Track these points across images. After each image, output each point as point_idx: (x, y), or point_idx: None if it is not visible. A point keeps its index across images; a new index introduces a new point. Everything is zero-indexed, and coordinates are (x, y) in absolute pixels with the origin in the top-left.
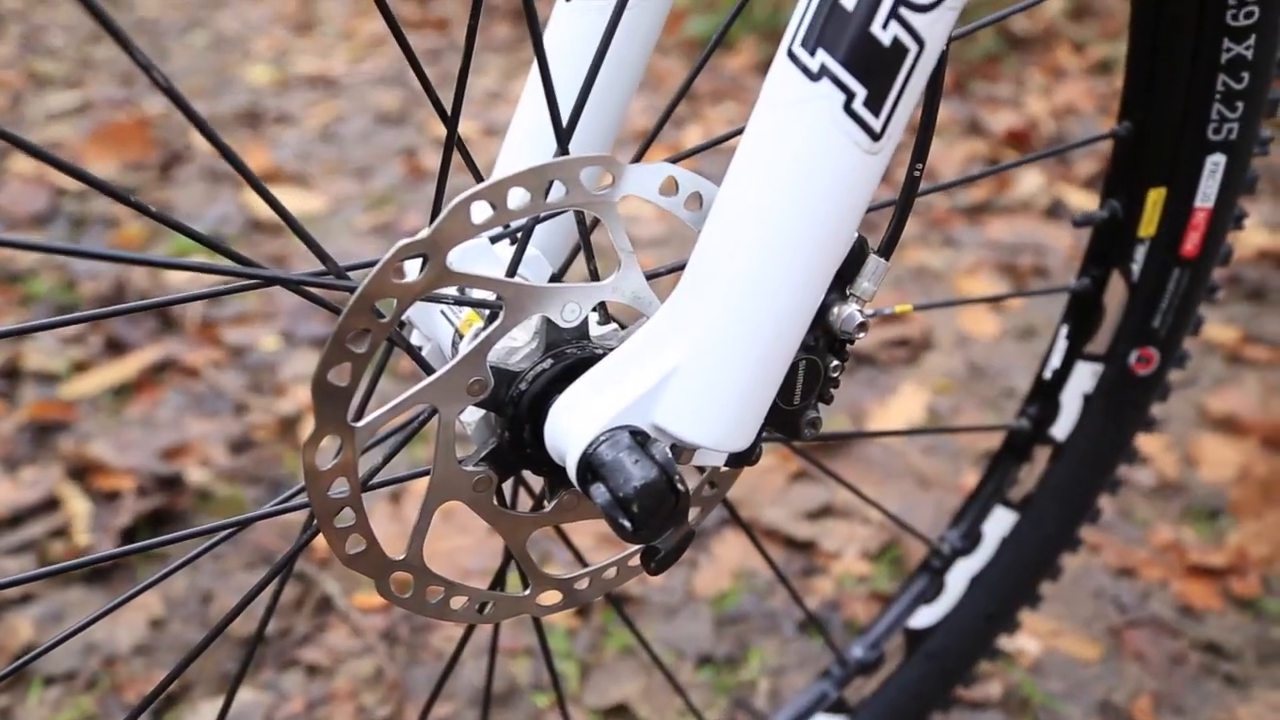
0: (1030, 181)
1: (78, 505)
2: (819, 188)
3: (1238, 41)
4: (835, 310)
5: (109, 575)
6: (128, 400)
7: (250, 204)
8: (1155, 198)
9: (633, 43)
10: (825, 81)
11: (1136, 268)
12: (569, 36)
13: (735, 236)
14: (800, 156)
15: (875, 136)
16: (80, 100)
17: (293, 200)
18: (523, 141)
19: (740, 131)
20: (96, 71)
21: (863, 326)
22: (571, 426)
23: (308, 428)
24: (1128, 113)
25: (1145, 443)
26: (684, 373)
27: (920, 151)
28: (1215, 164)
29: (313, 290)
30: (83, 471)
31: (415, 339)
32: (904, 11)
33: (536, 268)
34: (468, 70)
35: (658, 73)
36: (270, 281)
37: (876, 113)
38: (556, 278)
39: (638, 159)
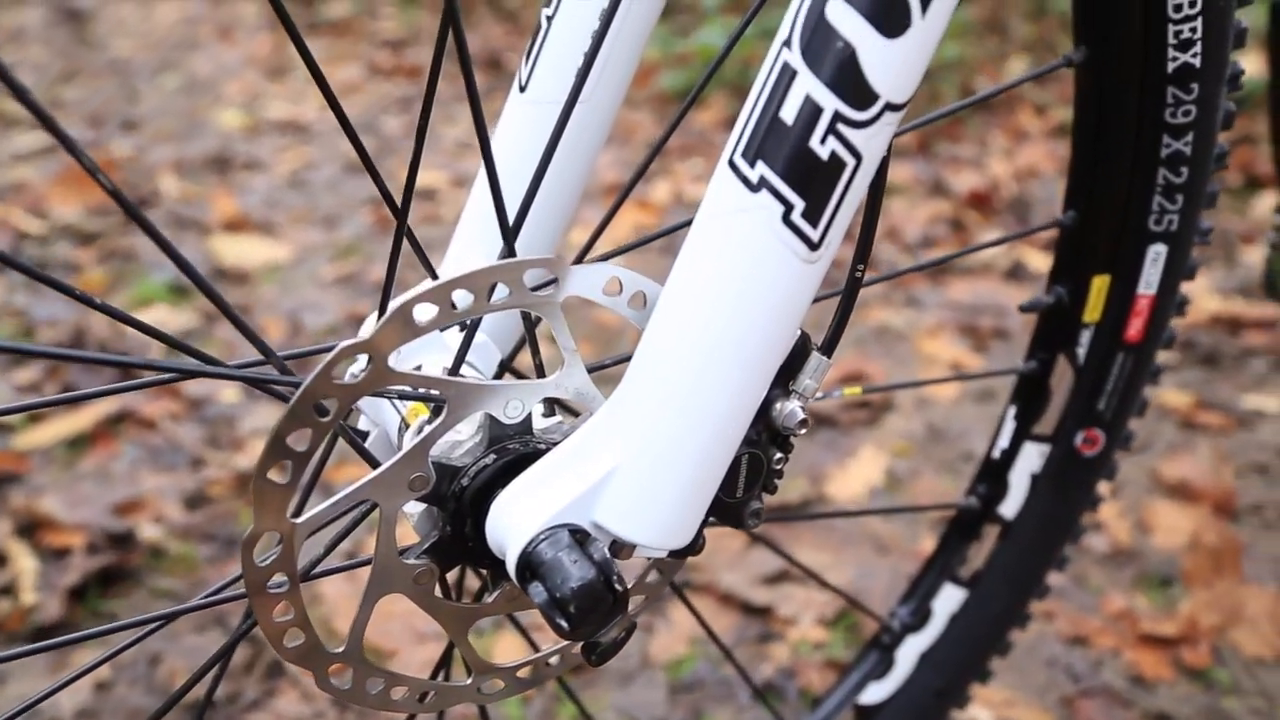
0: None
1: (25, 563)
2: (757, 296)
3: (1176, 138)
4: (778, 406)
5: (53, 634)
6: (82, 452)
7: (216, 251)
8: (1099, 285)
9: (583, 138)
10: (765, 193)
11: (1082, 352)
12: (520, 130)
13: (676, 339)
14: (739, 265)
15: (813, 246)
16: (47, 142)
17: (259, 249)
18: (473, 234)
19: (682, 226)
20: (65, 112)
21: (804, 423)
22: (512, 523)
23: None
24: (1073, 203)
25: (1100, 509)
26: (624, 472)
27: (862, 253)
28: (1157, 253)
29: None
30: (32, 527)
31: (363, 423)
32: (841, 128)
33: (485, 353)
34: (418, 165)
35: (628, 125)
36: (208, 375)
37: (815, 224)
38: (506, 363)
39: (585, 251)
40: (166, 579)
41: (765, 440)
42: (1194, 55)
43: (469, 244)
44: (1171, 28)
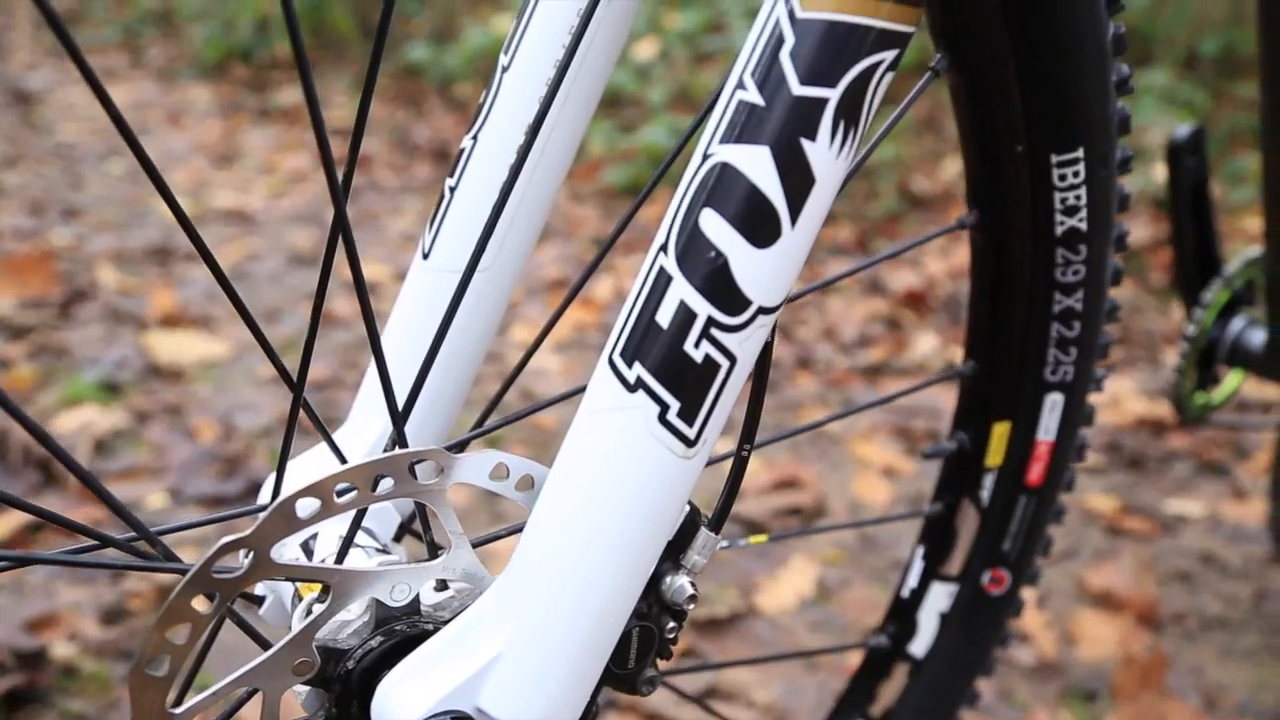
0: (926, 343)
1: None
2: (636, 490)
3: (1068, 295)
4: (668, 580)
5: None
6: None
7: (151, 348)
8: (1000, 431)
9: (483, 305)
10: (641, 393)
11: (986, 495)
12: (421, 298)
13: (559, 525)
14: (618, 461)
15: (690, 443)
16: None
17: (195, 346)
18: (374, 401)
19: (561, 398)
20: (6, 199)
21: (693, 598)
22: (397, 708)
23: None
24: (972, 353)
25: (1027, 619)
26: (508, 656)
27: (749, 432)
28: (1054, 402)
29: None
30: None
31: (259, 588)
32: (715, 332)
33: (384, 516)
34: (317, 326)
35: (573, 220)
36: (73, 564)
37: (690, 422)
38: (406, 524)
39: (480, 423)
40: (77, 701)
41: (656, 613)
42: (1080, 220)
43: (368, 412)
44: (1057, 195)
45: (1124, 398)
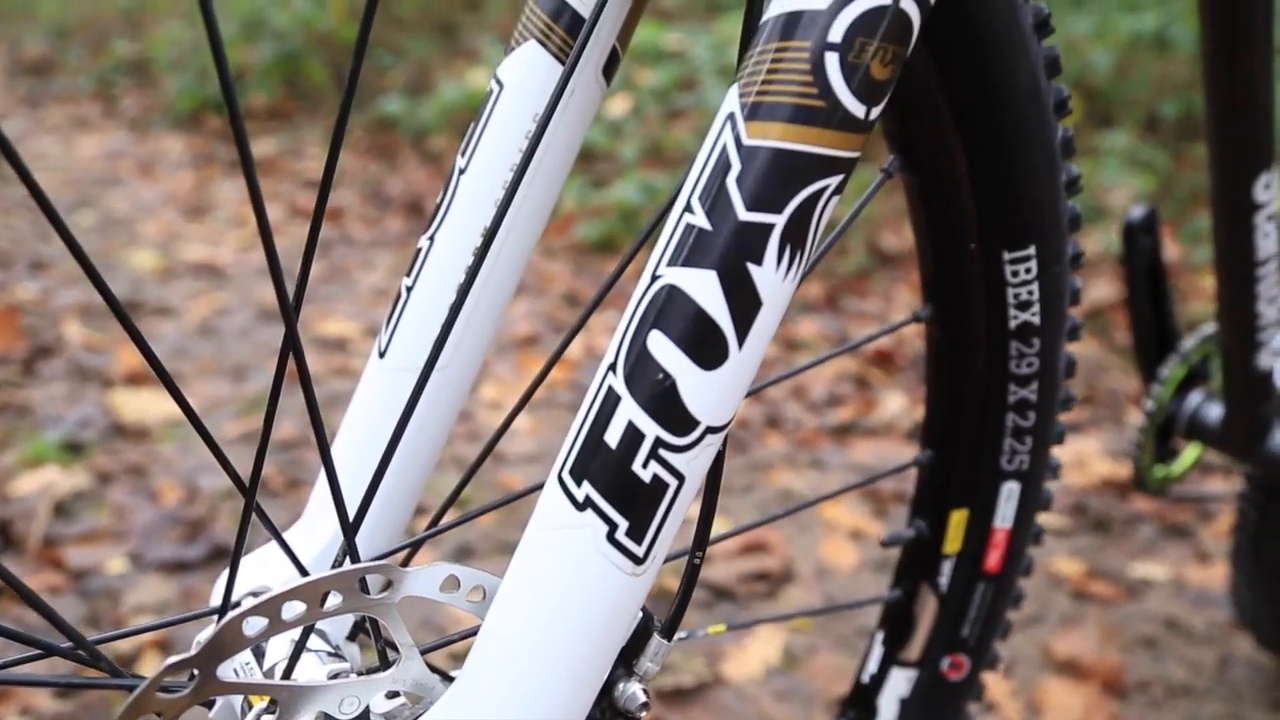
0: (894, 403)
1: None
2: (584, 606)
3: (1022, 387)
4: (620, 687)
5: None
6: None
7: (116, 406)
8: (958, 519)
9: (439, 407)
10: (590, 512)
11: (944, 581)
12: (376, 397)
13: (510, 638)
14: (566, 578)
15: (639, 561)
16: None
17: (161, 404)
18: (322, 511)
19: (513, 498)
20: None
21: (645, 705)
22: None
23: (147, 665)
24: (929, 443)
25: (993, 688)
26: None
27: (700, 539)
28: (1010, 490)
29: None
30: None
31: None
32: (663, 452)
33: (333, 621)
34: (268, 436)
35: (545, 275)
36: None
37: (639, 541)
38: (354, 633)
39: (435, 522)
40: None
41: (609, 717)
42: (1033, 314)
43: (321, 512)
44: (1010, 290)
45: (1089, 458)
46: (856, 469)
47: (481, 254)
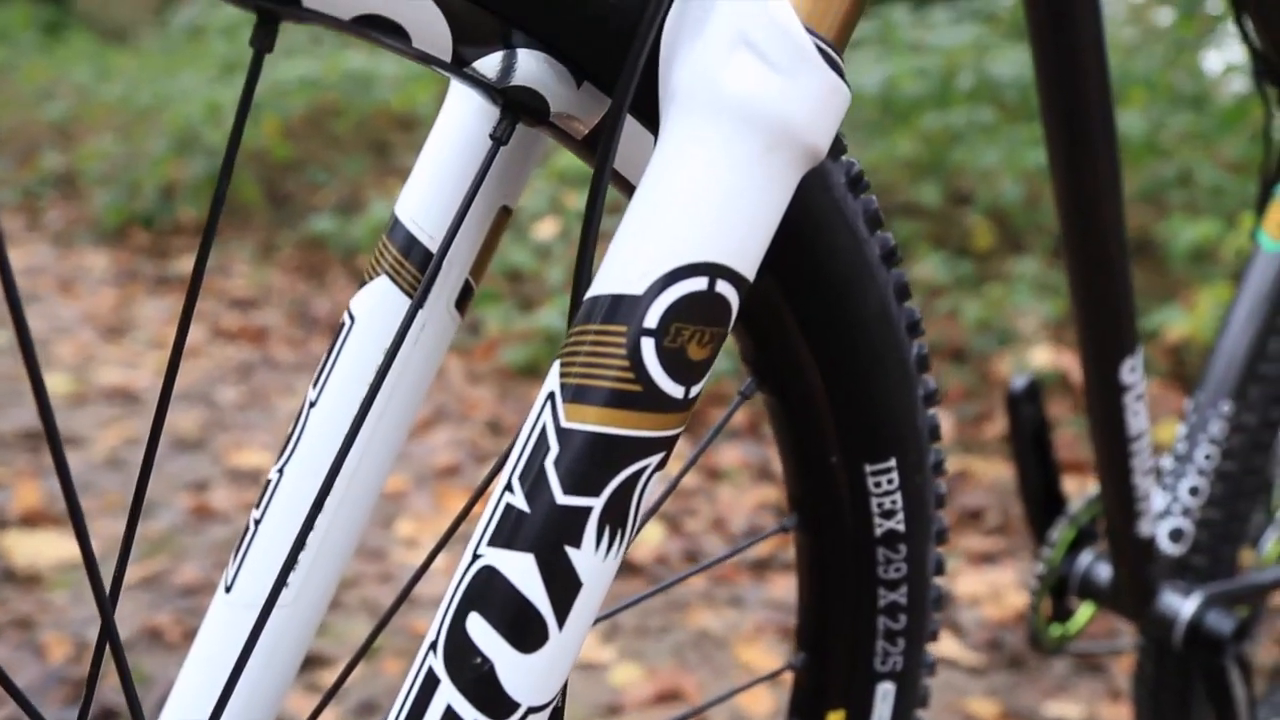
0: None
1: None
2: None
3: (892, 591)
4: None
5: None
6: None
7: (8, 550)
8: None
9: (283, 644)
10: None
11: None
12: (220, 632)
13: None
14: None
15: None
16: None
17: (57, 547)
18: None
19: None
20: None
21: None
22: None
23: None
24: (803, 645)
25: None
26: None
27: None
28: (885, 691)
29: None
30: None
31: None
32: None
33: None
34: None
35: (469, 402)
36: None
37: None
38: None
39: (343, 677)
40: None
41: None
42: (898, 522)
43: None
44: (874, 500)
45: (1003, 590)
46: (776, 605)
47: (328, 486)
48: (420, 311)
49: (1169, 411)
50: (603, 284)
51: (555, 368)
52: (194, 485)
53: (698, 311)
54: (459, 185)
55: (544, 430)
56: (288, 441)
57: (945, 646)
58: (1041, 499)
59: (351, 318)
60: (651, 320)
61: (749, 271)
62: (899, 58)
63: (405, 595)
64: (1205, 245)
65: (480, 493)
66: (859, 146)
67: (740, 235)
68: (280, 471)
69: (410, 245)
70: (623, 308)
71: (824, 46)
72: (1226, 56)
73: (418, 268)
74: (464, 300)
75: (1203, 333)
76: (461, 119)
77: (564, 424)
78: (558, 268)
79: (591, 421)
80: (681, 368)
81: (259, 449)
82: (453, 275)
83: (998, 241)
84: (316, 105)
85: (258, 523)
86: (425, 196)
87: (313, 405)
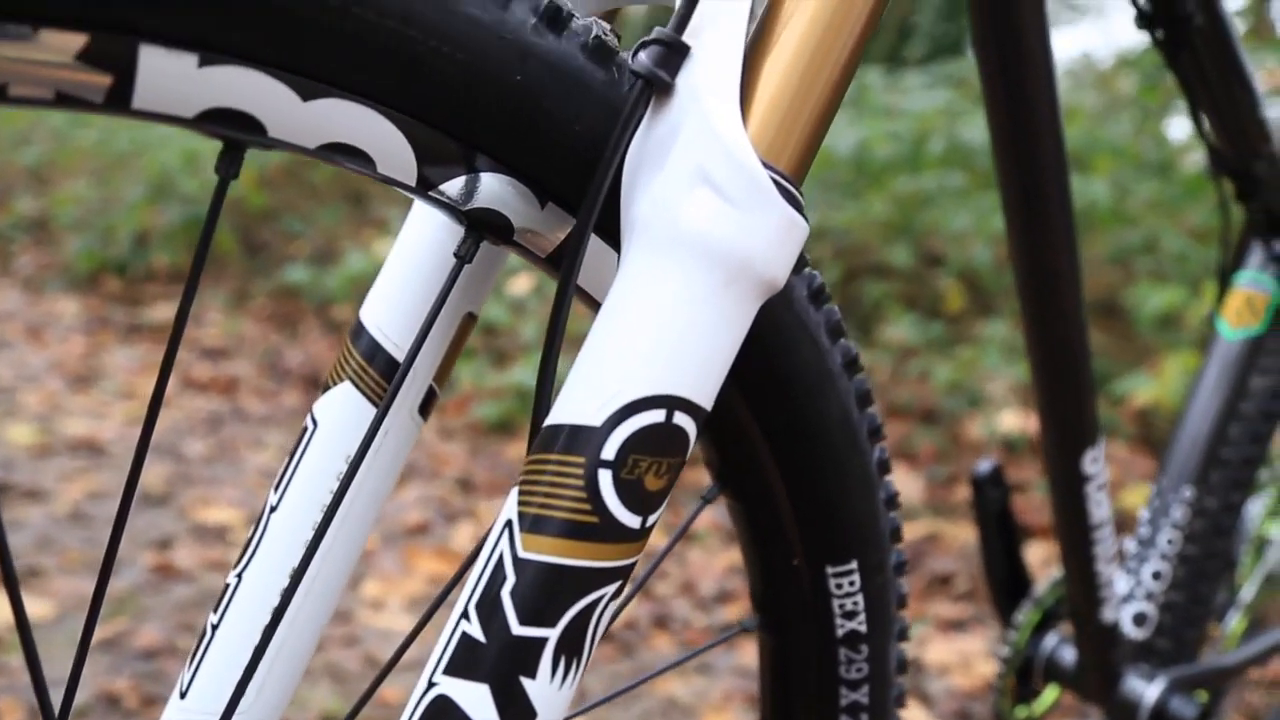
0: None
1: None
2: None
3: (853, 690)
4: None
5: None
6: None
7: None
8: None
9: None
10: None
11: None
12: None
13: None
14: None
15: None
16: None
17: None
18: None
19: None
20: None
21: None
22: None
23: None
24: None
25: None
26: None
27: None
28: None
29: None
30: None
31: None
32: None
33: None
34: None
35: (439, 458)
36: None
37: None
38: None
39: None
40: None
41: None
42: (859, 623)
43: None
44: (835, 601)
45: (973, 658)
46: (744, 673)
47: (288, 597)
48: (382, 422)
49: (1137, 476)
50: (562, 413)
51: (514, 495)
52: (158, 542)
53: (655, 443)
54: (424, 294)
55: (501, 559)
56: (247, 546)
57: (913, 715)
58: (1007, 581)
59: (314, 423)
60: (609, 452)
61: (707, 402)
62: (872, 121)
63: (366, 699)
64: (1171, 312)
65: (429, 614)
66: (833, 207)
67: (698, 367)
68: (239, 577)
69: (374, 352)
70: (581, 439)
71: (781, 181)
72: (1189, 125)
73: (381, 374)
74: (427, 405)
75: (1169, 399)
76: (426, 230)
77: (521, 554)
78: (531, 323)
79: (548, 552)
80: (638, 498)
81: (226, 505)
82: (417, 382)
83: (968, 303)
84: (293, 155)
85: (215, 628)
86: (390, 304)
87: (273, 510)
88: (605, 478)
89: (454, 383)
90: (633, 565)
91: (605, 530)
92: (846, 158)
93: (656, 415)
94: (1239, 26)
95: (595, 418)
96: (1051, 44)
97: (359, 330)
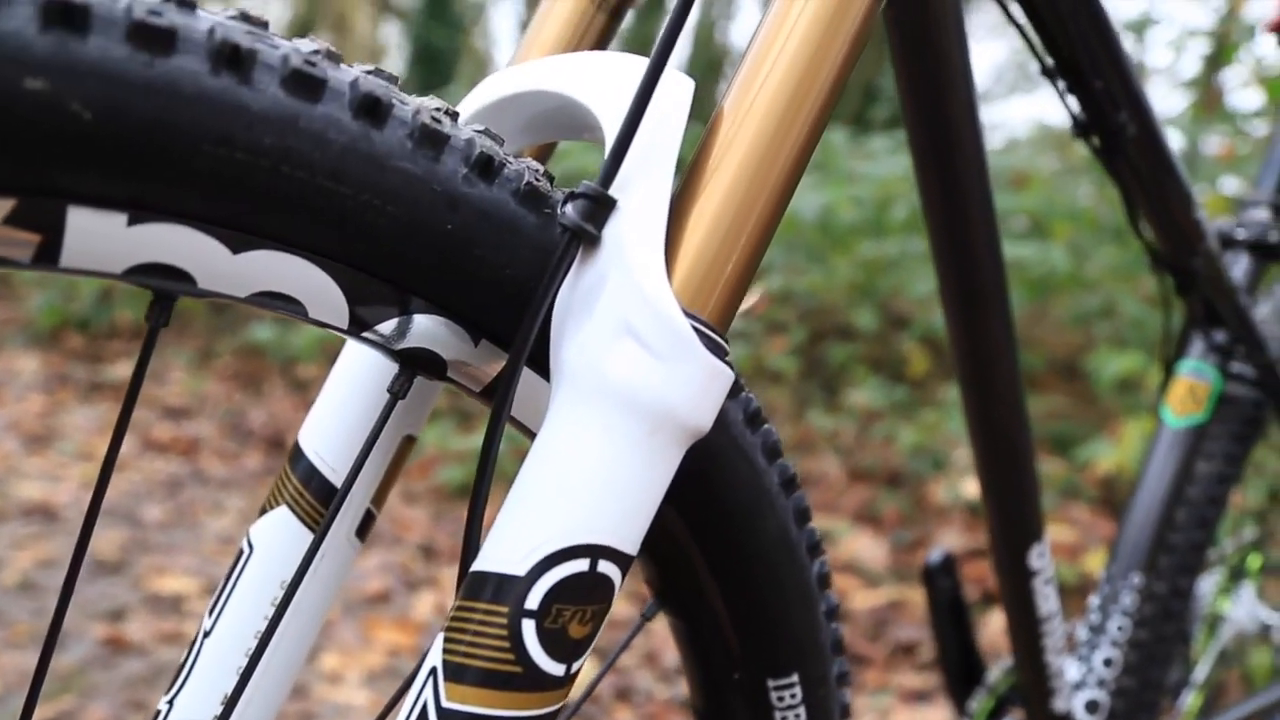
0: None
1: None
2: None
3: None
4: None
5: None
6: None
7: None
8: None
9: None
10: None
11: None
12: None
13: None
14: None
15: None
16: None
17: None
18: None
19: None
20: None
21: None
22: None
23: None
24: None
25: None
26: None
27: None
28: None
29: None
30: None
31: None
32: None
33: None
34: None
35: (402, 522)
36: None
37: None
38: None
39: None
40: None
41: None
42: None
43: None
44: (777, 713)
45: None
46: None
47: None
48: (319, 548)
49: (1099, 539)
50: (487, 560)
51: (439, 642)
52: (110, 614)
53: (580, 592)
54: (361, 420)
55: (425, 708)
56: (179, 671)
57: None
58: (960, 669)
59: (250, 546)
60: (533, 602)
61: (631, 548)
62: (836, 186)
63: None
64: (1130, 377)
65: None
66: (799, 271)
67: (622, 516)
68: (170, 703)
69: (311, 476)
70: (505, 588)
71: (705, 330)
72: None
73: (317, 499)
74: (365, 527)
75: (1130, 463)
76: (363, 359)
77: (444, 703)
78: None
79: (471, 702)
80: (562, 647)
81: (182, 573)
82: (354, 505)
83: (932, 367)
84: None
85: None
86: (327, 430)
87: (207, 635)
88: (529, 628)
89: (419, 446)
90: (556, 712)
91: (528, 679)
92: (812, 222)
93: (580, 565)
94: (1188, 98)
95: (519, 567)
96: (982, 133)
97: (297, 454)
